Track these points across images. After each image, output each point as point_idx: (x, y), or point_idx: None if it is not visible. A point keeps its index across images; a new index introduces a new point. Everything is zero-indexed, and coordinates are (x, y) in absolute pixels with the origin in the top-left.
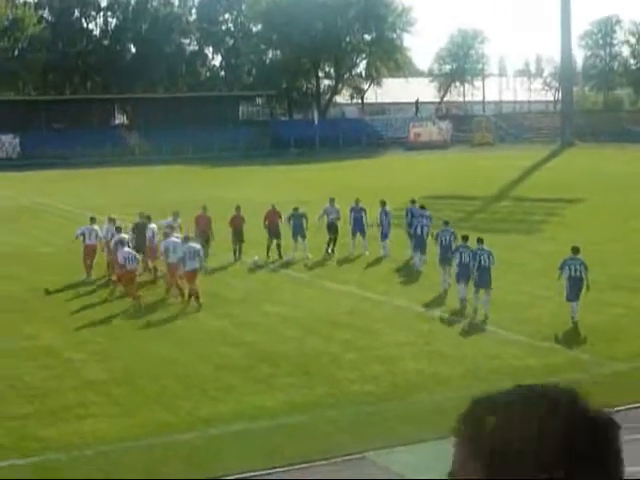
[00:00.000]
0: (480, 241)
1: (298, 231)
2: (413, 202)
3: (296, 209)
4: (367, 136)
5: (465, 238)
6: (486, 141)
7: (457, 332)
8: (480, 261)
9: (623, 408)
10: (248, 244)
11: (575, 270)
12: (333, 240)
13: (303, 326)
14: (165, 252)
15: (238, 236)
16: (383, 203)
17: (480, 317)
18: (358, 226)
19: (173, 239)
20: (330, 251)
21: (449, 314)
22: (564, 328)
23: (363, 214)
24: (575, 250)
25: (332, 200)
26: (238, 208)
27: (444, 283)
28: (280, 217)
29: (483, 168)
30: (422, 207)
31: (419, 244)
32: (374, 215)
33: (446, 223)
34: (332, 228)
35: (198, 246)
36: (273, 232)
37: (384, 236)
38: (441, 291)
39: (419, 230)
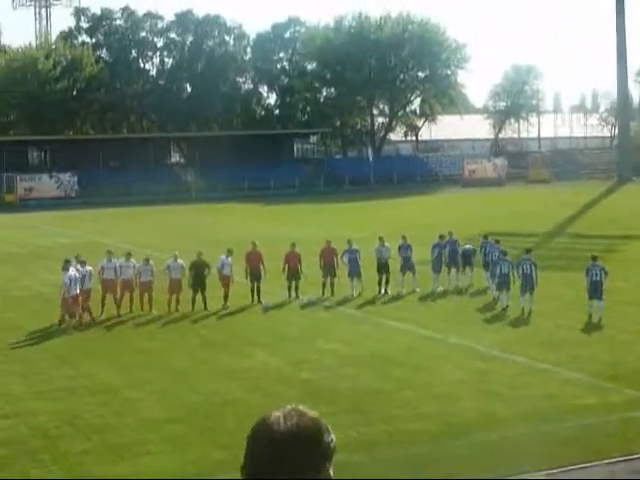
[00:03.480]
0: (527, 251)
1: (354, 268)
2: (485, 237)
3: (350, 243)
4: (421, 173)
5: (504, 253)
6: (542, 178)
7: (514, 371)
8: (523, 269)
9: None
10: (304, 281)
11: (596, 275)
12: (386, 279)
13: (358, 363)
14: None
15: (293, 273)
16: (450, 233)
17: (526, 313)
18: (407, 263)
19: (71, 272)
20: (384, 291)
21: (506, 353)
22: (624, 366)
23: (410, 251)
24: (594, 258)
25: (382, 239)
26: (293, 245)
27: (492, 291)
28: (336, 254)
29: (539, 205)
30: (497, 241)
31: (487, 267)
32: (426, 251)
33: (494, 240)
34: (384, 267)
35: (77, 274)
36: (328, 270)
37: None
38: (490, 299)
39: (492, 257)
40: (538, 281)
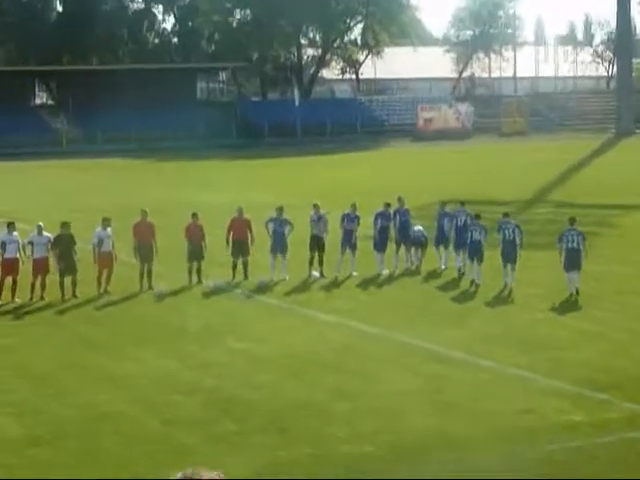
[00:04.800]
0: (506, 215)
1: (279, 243)
2: (443, 205)
3: (280, 210)
4: (363, 122)
5: (477, 216)
6: (518, 129)
7: (479, 378)
8: (505, 235)
9: None
10: (209, 262)
11: (572, 241)
12: (319, 259)
13: (279, 368)
14: None
15: (196, 252)
16: (400, 200)
17: (508, 290)
18: (348, 238)
19: None
20: (318, 274)
21: (469, 354)
22: (621, 373)
23: (356, 224)
24: (572, 221)
25: (317, 207)
26: (195, 215)
27: (458, 263)
28: (250, 227)
29: (514, 164)
30: (462, 203)
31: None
32: (368, 223)
33: (460, 203)
34: (317, 243)
35: None
36: (239, 247)
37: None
38: (456, 275)
39: (457, 221)
40: (523, 247)
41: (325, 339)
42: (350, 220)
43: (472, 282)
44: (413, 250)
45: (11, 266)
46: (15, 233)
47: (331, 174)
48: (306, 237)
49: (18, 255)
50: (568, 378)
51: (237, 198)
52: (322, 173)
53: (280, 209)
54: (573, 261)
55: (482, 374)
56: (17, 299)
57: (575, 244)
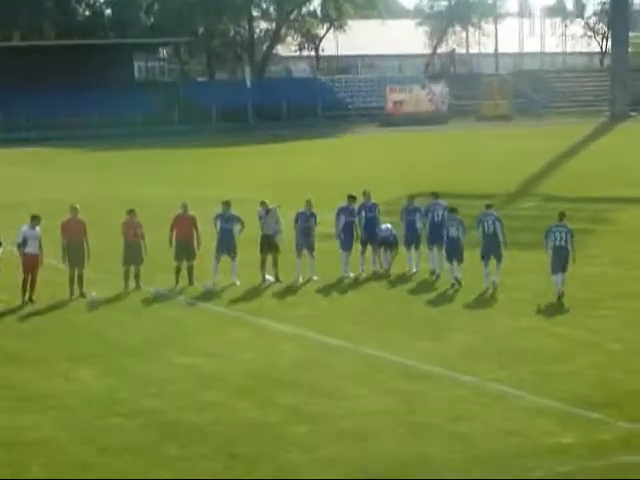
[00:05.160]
0: (487, 206)
1: (225, 242)
2: (412, 199)
3: (227, 205)
4: (324, 105)
5: (453, 209)
6: (500, 112)
7: (457, 396)
8: (484, 228)
9: None
10: (148, 265)
11: (560, 238)
12: (273, 262)
13: (228, 385)
14: None
15: (133, 253)
16: (366, 194)
17: (490, 293)
18: (305, 239)
19: None
20: (273, 278)
21: (445, 369)
22: (616, 388)
23: (313, 222)
24: (561, 216)
25: (265, 204)
26: (132, 212)
27: (432, 264)
28: (195, 226)
29: (496, 152)
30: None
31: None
32: (329, 220)
33: (434, 195)
34: (268, 243)
35: None
36: (184, 248)
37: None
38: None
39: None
40: (507, 243)
41: (280, 352)
42: (305, 219)
43: (453, 282)
44: (382, 251)
45: None
46: None
47: (287, 164)
48: (257, 236)
49: None
50: (556, 395)
51: (181, 192)
52: (277, 163)
53: (226, 204)
54: (560, 261)
55: (460, 391)
56: None
57: (563, 242)
